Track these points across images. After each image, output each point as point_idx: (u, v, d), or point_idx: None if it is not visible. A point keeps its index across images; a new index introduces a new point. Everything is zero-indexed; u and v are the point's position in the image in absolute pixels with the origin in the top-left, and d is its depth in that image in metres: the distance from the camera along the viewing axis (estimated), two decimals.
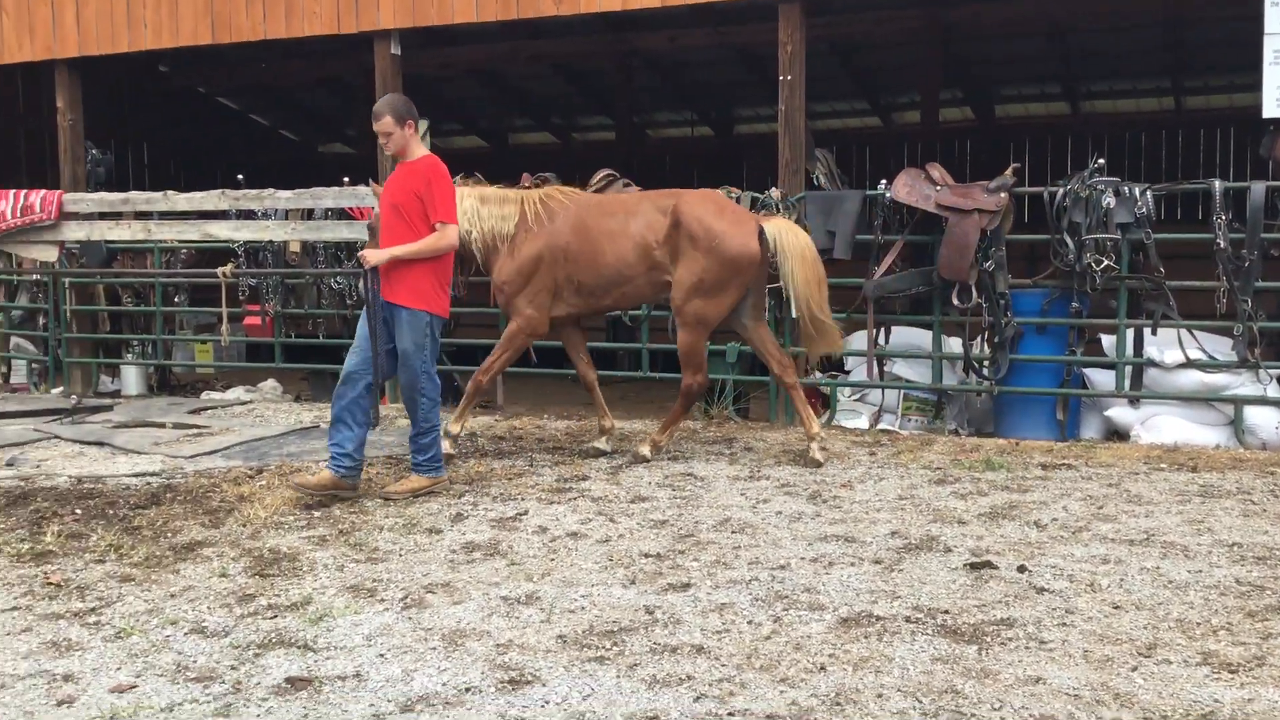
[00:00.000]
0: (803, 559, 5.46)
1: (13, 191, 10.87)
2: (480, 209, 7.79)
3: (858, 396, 9.56)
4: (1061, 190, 8.49)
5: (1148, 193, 8.37)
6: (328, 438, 6.71)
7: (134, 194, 11.01)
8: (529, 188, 10.02)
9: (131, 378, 11.73)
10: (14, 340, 12.11)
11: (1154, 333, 8.47)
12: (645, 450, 7.78)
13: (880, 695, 3.89)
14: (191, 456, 8.02)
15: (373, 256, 6.58)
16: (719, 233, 7.44)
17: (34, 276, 11.67)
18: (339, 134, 21.34)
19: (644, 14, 11.44)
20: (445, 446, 7.60)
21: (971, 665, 4.15)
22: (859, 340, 9.35)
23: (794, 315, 7.85)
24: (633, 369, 11.42)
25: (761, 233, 7.53)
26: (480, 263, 7.95)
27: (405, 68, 10.70)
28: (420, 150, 6.78)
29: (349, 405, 6.56)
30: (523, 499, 6.71)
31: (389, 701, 3.90)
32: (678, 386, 7.79)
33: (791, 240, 7.58)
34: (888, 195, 8.87)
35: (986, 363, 8.82)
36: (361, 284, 6.93)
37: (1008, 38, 14.96)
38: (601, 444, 8.03)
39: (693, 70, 17.16)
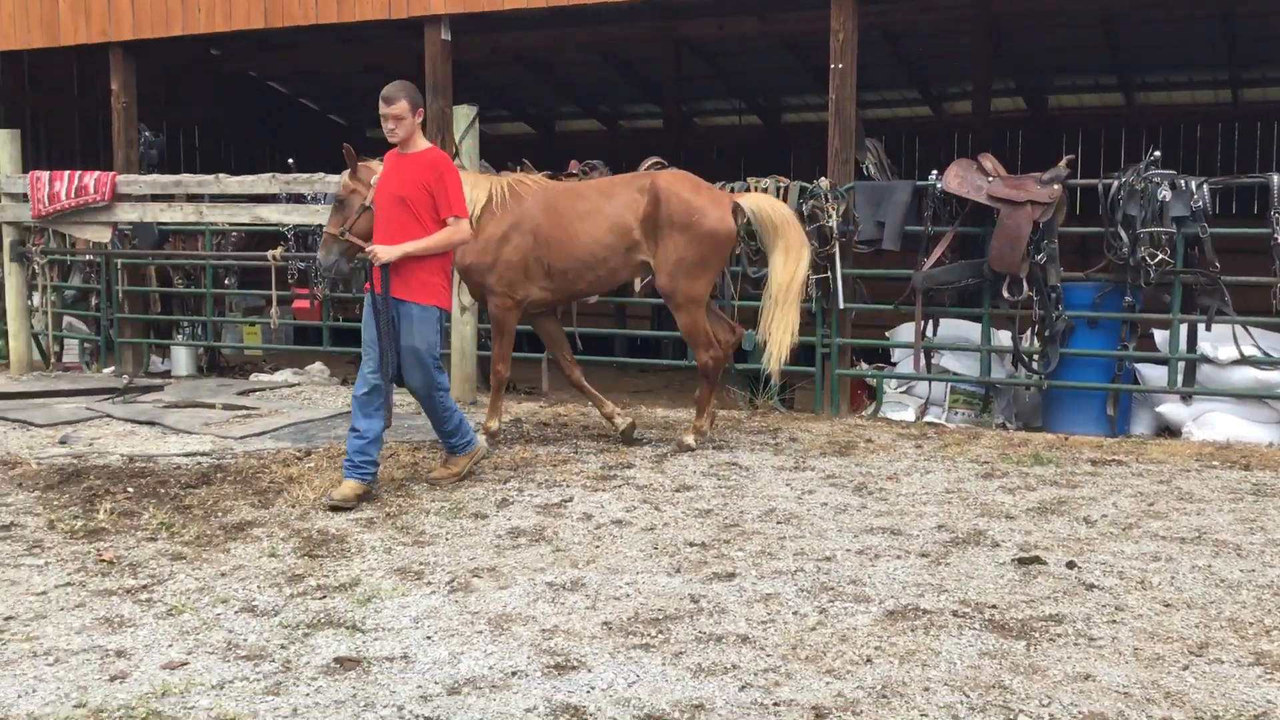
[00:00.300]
0: (848, 550, 5.43)
1: (67, 173, 11.00)
2: None
3: (904, 389, 9.50)
4: (1116, 183, 8.38)
5: (1204, 186, 8.26)
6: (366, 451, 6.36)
7: (186, 176, 11.12)
8: (576, 175, 10.09)
9: (181, 358, 11.87)
10: (67, 320, 12.28)
11: (1208, 328, 8.36)
12: (689, 439, 7.78)
13: (927, 689, 3.87)
14: (241, 437, 8.11)
15: (385, 253, 6.28)
16: (698, 208, 7.50)
17: (87, 257, 11.83)
18: None
19: (693, 1, 11.40)
20: (482, 441, 7.58)
21: (1020, 661, 4.12)
22: (906, 332, 9.30)
23: (772, 288, 7.74)
24: (678, 357, 11.41)
25: (737, 209, 7.68)
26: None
27: (454, 53, 10.73)
28: (424, 141, 6.57)
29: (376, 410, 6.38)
30: (567, 485, 6.73)
31: (436, 684, 3.93)
32: (721, 375, 7.77)
33: (771, 212, 7.70)
34: (939, 186, 8.80)
35: (1036, 356, 8.73)
36: (368, 281, 6.55)
37: (1060, 27, 14.76)
38: (620, 422, 7.97)
39: (740, 58, 17.09)
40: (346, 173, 7.04)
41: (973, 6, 13.27)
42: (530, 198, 7.59)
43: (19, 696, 3.82)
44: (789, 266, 7.64)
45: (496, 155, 10.84)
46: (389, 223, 6.41)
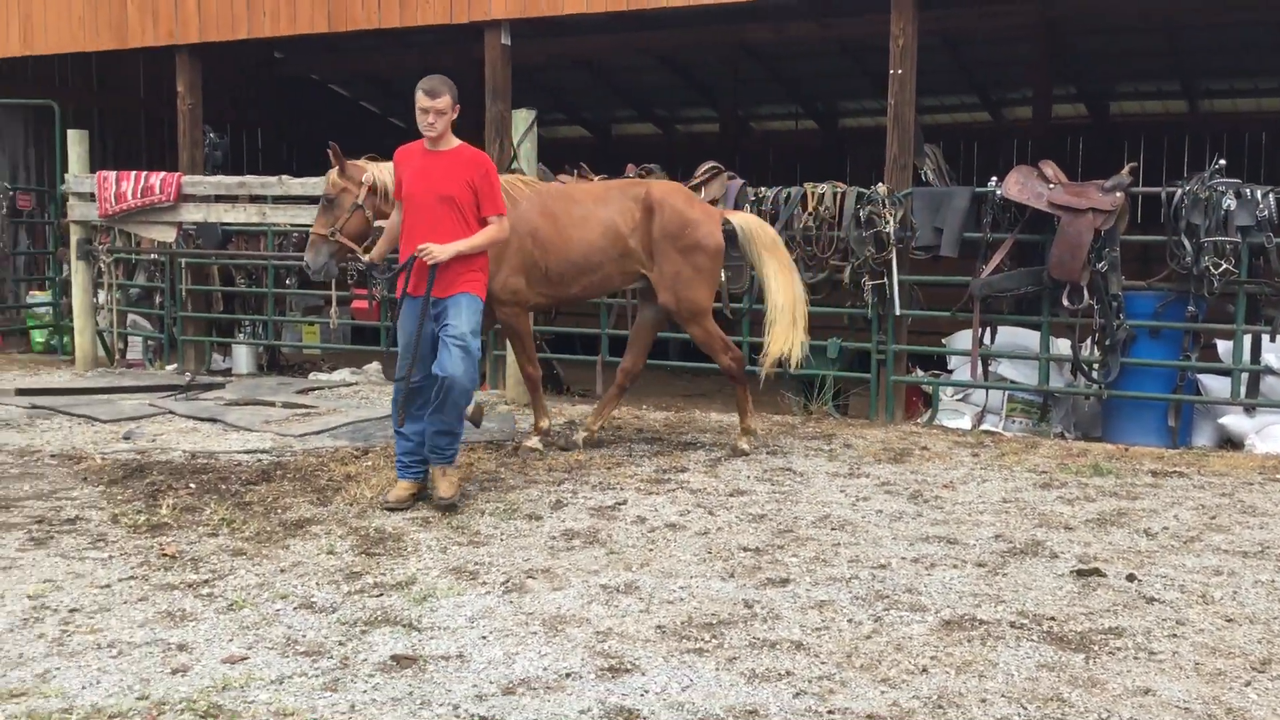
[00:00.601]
0: (904, 559, 5.40)
1: (134, 173, 11.22)
2: None
3: (960, 396, 9.43)
4: (1180, 191, 8.26)
5: (1270, 195, 8.11)
6: (436, 440, 6.29)
7: (249, 178, 11.29)
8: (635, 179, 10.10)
9: (242, 357, 12.04)
10: (131, 317, 12.50)
11: (1273, 339, 8.21)
12: (744, 444, 7.80)
13: (984, 700, 3.84)
14: (300, 435, 8.22)
15: (440, 252, 6.05)
16: (692, 221, 7.51)
17: (152, 256, 12.04)
18: None
19: (752, 6, 11.39)
20: (535, 443, 7.56)
21: (1078, 674, 4.07)
22: (963, 339, 9.23)
23: (769, 307, 7.79)
24: None
25: (727, 225, 7.74)
26: None
27: (513, 57, 10.80)
28: (455, 138, 6.31)
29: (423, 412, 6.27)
30: (621, 488, 6.75)
31: (491, 683, 3.96)
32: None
33: (760, 231, 7.77)
34: (999, 192, 8.72)
35: (1096, 365, 8.63)
36: (407, 280, 6.23)
37: (1122, 32, 14.58)
38: (533, 443, 7.64)
39: (798, 62, 17.05)
40: (333, 171, 6.92)
41: (1034, 12, 13.14)
42: (526, 201, 7.38)
43: (83, 687, 3.90)
44: (788, 286, 7.68)
45: (553, 159, 10.89)
46: (434, 221, 6.15)
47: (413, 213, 6.23)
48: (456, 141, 6.27)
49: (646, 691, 3.90)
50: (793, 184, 9.62)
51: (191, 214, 11.09)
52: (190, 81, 12.11)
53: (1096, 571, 5.18)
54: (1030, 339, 9.13)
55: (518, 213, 7.17)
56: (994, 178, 8.91)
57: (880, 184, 9.17)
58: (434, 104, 6.11)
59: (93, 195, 11.32)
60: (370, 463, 7.31)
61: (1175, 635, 4.44)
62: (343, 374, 11.71)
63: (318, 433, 8.31)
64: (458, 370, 6.06)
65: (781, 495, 6.62)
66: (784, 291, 7.67)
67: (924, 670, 4.08)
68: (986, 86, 17.51)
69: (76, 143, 11.71)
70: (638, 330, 8.13)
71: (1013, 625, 4.53)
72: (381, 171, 7.11)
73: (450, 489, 6.22)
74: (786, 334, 7.63)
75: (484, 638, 4.38)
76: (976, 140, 18.41)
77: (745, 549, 5.54)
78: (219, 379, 11.01)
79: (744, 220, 7.89)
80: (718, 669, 4.09)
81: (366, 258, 6.99)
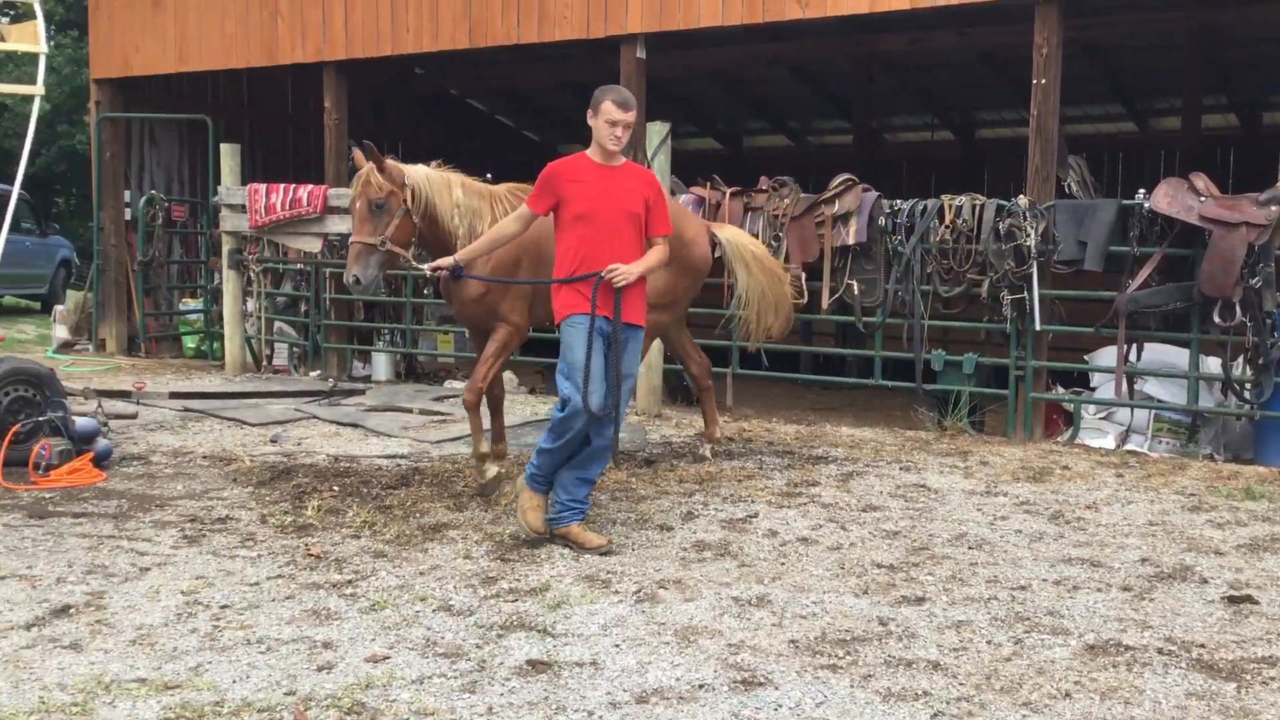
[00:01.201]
0: (1044, 580, 5.27)
1: (282, 185, 11.63)
2: (464, 200, 6.69)
3: (1103, 415, 9.15)
4: None
5: None
6: (575, 490, 5.79)
7: None
8: (766, 192, 10.09)
9: (381, 364, 12.37)
10: (277, 324, 12.95)
11: None
12: (706, 451, 7.84)
13: None
14: (436, 442, 8.40)
15: (632, 272, 5.66)
16: (689, 239, 7.25)
17: (298, 266, 12.45)
18: (578, 135, 21.78)
19: (888, 16, 11.26)
20: (490, 470, 6.83)
21: (1229, 703, 3.92)
22: (1107, 356, 8.96)
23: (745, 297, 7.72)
24: (862, 375, 11.28)
25: (713, 239, 7.61)
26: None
27: (647, 70, 10.88)
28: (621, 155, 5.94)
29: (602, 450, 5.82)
30: (752, 501, 6.73)
31: (625, 691, 3.99)
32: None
33: (747, 245, 7.65)
34: (1147, 205, 8.45)
35: (1248, 385, 8.29)
36: (603, 301, 5.67)
37: (1277, 40, 13.99)
38: (488, 471, 6.77)
39: (933, 73, 16.79)
40: (368, 171, 6.32)
41: (1184, 20, 12.70)
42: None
43: (234, 682, 4.05)
44: (756, 292, 7.62)
45: (686, 171, 10.92)
46: (621, 239, 5.71)
47: (591, 230, 5.70)
48: (623, 157, 5.92)
49: (780, 706, 3.88)
50: (927, 196, 9.49)
51: (336, 225, 11.44)
52: (336, 97, 12.50)
53: (1249, 599, 4.97)
54: (1178, 357, 8.82)
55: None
56: (1142, 190, 8.65)
57: (1021, 196, 8.98)
58: (625, 117, 5.69)
59: (244, 207, 11.77)
60: (503, 469, 7.42)
61: None
62: None
63: (453, 439, 8.49)
64: (623, 415, 5.80)
65: (916, 512, 6.52)
66: (749, 284, 7.58)
67: (1067, 695, 3.97)
68: (1132, 96, 16.98)
69: (229, 156, 12.19)
70: (671, 337, 7.92)
71: (1160, 651, 4.38)
72: (419, 173, 6.62)
73: (601, 537, 5.76)
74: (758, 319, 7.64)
75: (617, 646, 4.41)
76: (1121, 151, 17.86)
77: (879, 565, 5.47)
78: (359, 385, 11.33)
79: (731, 234, 7.79)
80: (852, 686, 4.04)
81: (427, 266, 6.36)
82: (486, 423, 7.00)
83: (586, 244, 5.69)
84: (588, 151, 5.85)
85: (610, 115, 5.66)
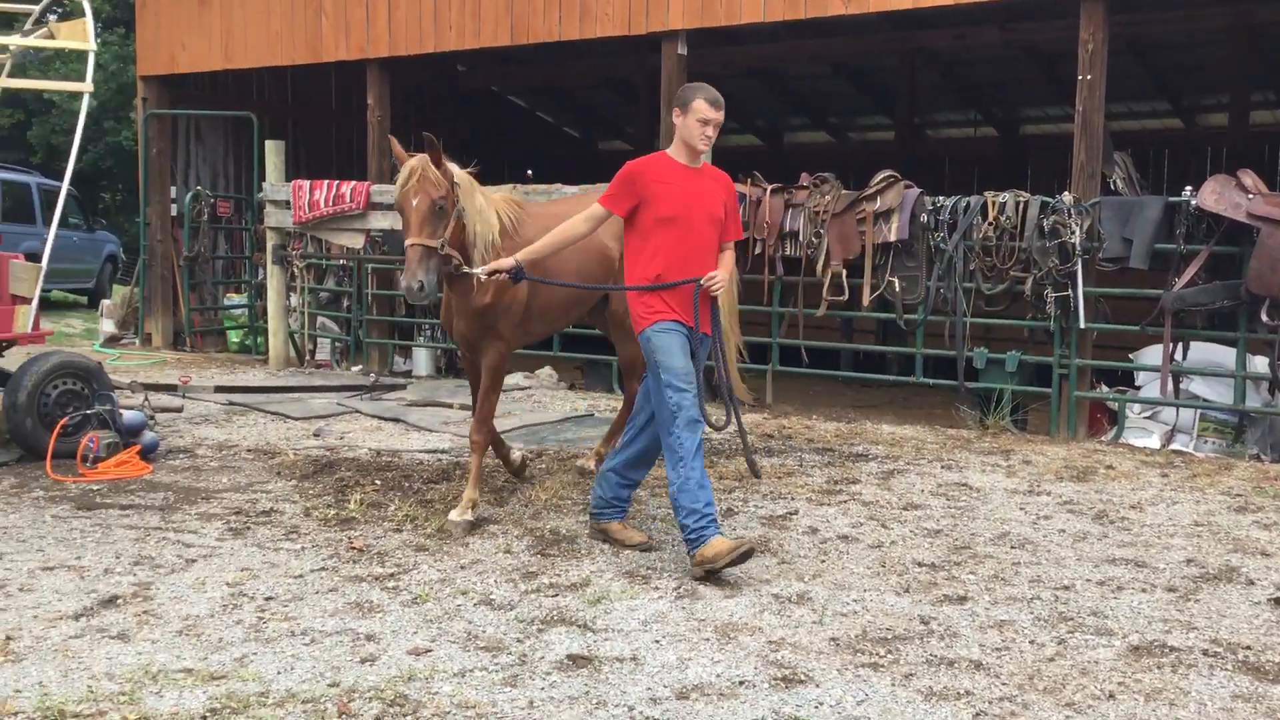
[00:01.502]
0: (1088, 581, 5.22)
1: (326, 182, 11.73)
2: (485, 207, 6.20)
3: (1148, 414, 9.05)
4: None
5: None
6: (696, 502, 5.22)
7: None
8: (807, 188, 10.05)
9: (422, 359, 12.45)
10: (320, 320, 13.07)
11: None
12: (590, 464, 7.24)
13: None
14: None
15: (725, 280, 5.49)
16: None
17: (340, 261, 12.56)
18: (618, 131, 21.91)
19: (931, 12, 11.20)
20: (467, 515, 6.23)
21: (1276, 705, 3.87)
22: (1153, 354, 8.86)
23: None
24: (903, 373, 11.21)
25: None
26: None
27: (688, 67, 10.87)
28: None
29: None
30: (792, 498, 6.71)
31: (665, 686, 3.99)
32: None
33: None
34: (1194, 203, 8.35)
35: None
36: (700, 309, 5.45)
37: None
38: (463, 515, 6.00)
39: (976, 68, 16.68)
40: (427, 166, 5.81)
41: (1231, 16, 12.53)
42: (526, 226, 6.33)
43: (279, 673, 4.09)
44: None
45: (726, 167, 10.71)
46: (708, 245, 5.50)
47: (677, 234, 5.42)
48: (703, 159, 5.63)
49: (821, 704, 3.87)
50: (969, 192, 9.41)
51: (379, 222, 11.53)
52: (379, 94, 12.58)
53: None
54: (1226, 356, 8.71)
55: (525, 236, 6.14)
56: (1188, 187, 8.55)
57: (1066, 193, 8.89)
58: (717, 115, 5.43)
59: (288, 203, 11.88)
60: (544, 465, 7.46)
61: None
62: (515, 378, 11.95)
63: None
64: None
65: (957, 511, 6.49)
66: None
67: (1111, 696, 3.94)
68: (1179, 92, 16.78)
69: (274, 153, 12.30)
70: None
71: (1206, 653, 4.34)
72: (461, 172, 6.16)
73: (641, 534, 5.72)
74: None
75: (657, 641, 4.42)
76: (1167, 148, 17.65)
77: (920, 564, 5.45)
78: (400, 380, 11.40)
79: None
80: (893, 685, 4.03)
81: (482, 269, 5.75)
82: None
83: (671, 248, 5.40)
84: (669, 151, 5.60)
85: (703, 114, 5.39)
